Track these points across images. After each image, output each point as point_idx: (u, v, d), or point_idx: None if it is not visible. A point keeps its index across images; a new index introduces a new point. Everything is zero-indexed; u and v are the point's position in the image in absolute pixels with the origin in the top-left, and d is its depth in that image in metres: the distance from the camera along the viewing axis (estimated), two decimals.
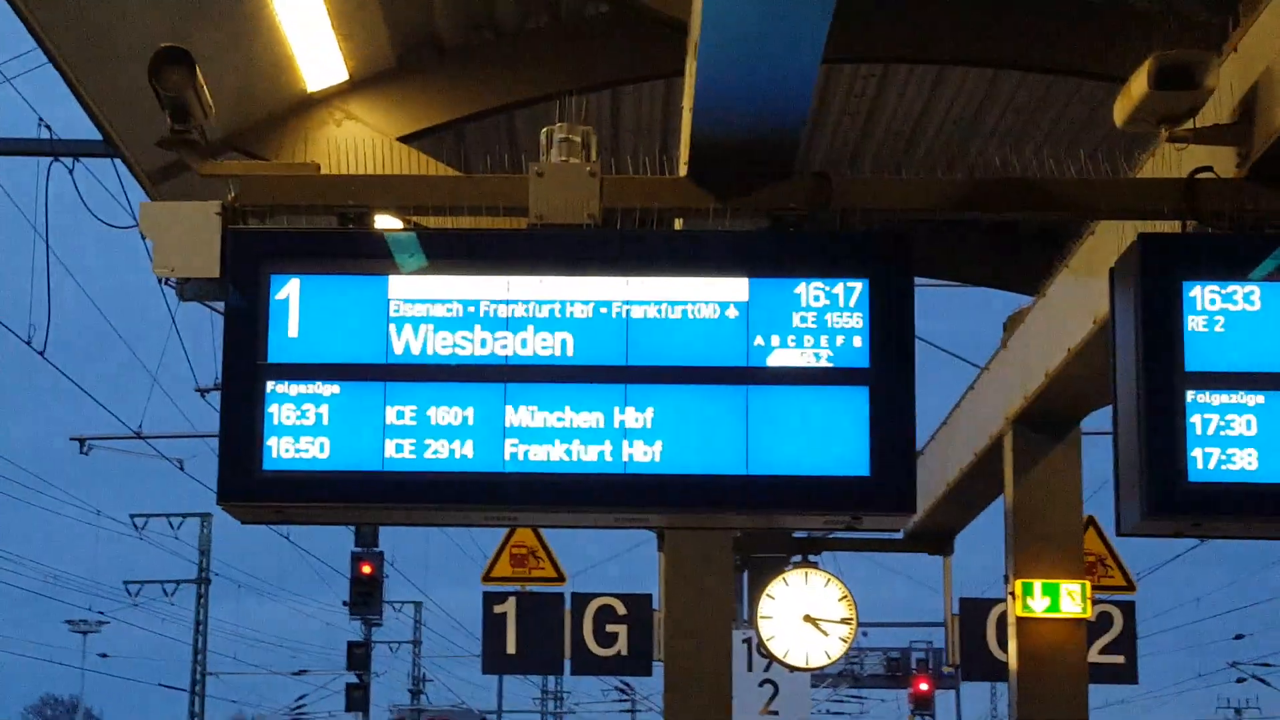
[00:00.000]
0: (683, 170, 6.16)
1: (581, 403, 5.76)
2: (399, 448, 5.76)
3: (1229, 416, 5.65)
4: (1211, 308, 5.71)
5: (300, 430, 5.77)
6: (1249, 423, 5.64)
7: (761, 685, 16.80)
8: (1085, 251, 8.34)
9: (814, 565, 14.39)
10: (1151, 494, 5.62)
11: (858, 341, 5.78)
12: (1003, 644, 11.85)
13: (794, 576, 14.34)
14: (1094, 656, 11.81)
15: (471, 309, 5.82)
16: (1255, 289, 5.72)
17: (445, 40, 8.98)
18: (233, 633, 65.79)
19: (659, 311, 5.81)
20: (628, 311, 5.80)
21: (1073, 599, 9.95)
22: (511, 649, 13.86)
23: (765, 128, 5.80)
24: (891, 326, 5.81)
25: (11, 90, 20.20)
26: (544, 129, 6.22)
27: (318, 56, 8.35)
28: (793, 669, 14.52)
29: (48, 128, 23.38)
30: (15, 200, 21.70)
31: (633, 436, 5.76)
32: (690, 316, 5.81)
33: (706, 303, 5.82)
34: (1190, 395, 5.65)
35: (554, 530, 13.64)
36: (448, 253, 5.89)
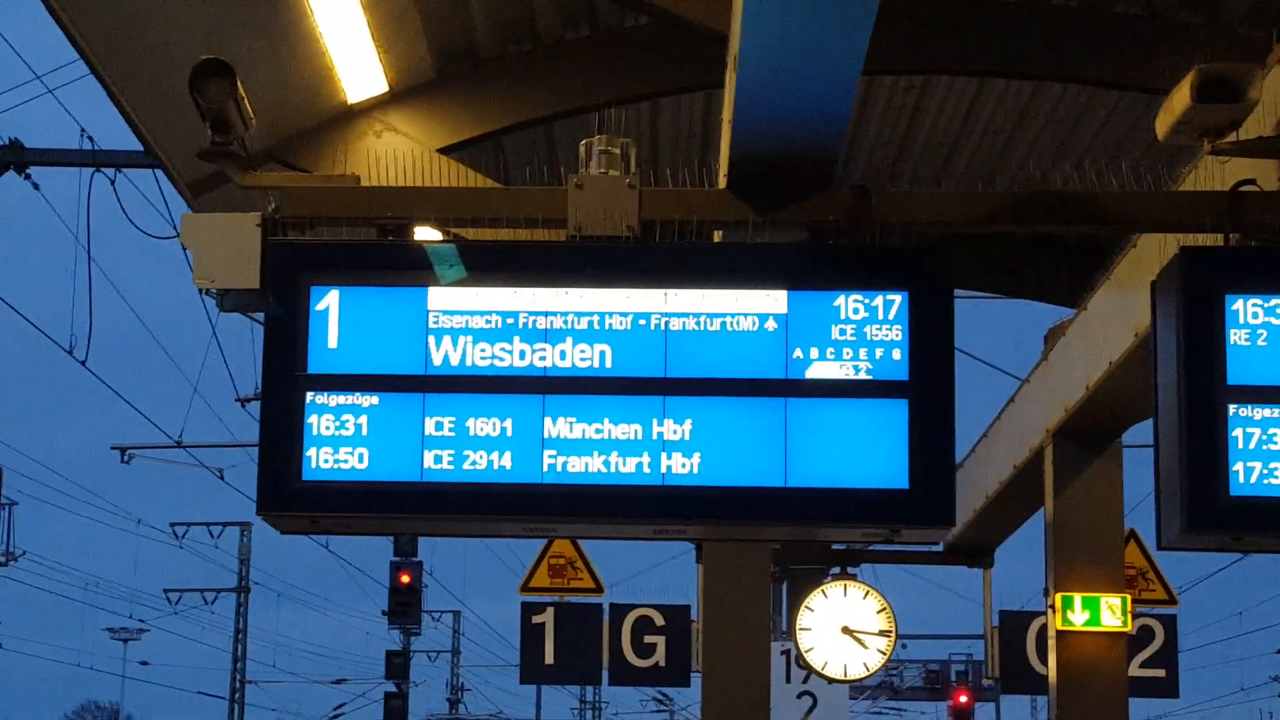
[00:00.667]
0: (722, 182, 6.16)
1: (620, 414, 5.77)
2: (438, 459, 5.78)
3: (1271, 430, 5.62)
4: (1254, 321, 5.68)
5: (339, 441, 5.80)
6: None
7: (800, 697, 16.79)
8: (1127, 264, 8.31)
9: (853, 577, 14.40)
10: (1193, 508, 5.60)
11: (897, 354, 5.77)
12: (1043, 657, 11.80)
13: (832, 589, 14.36)
14: (1134, 670, 11.76)
15: (510, 320, 5.84)
16: None
17: (484, 52, 9.01)
18: (272, 641, 66.00)
19: (698, 324, 5.82)
20: (666, 324, 5.81)
21: (1113, 612, 9.91)
22: (550, 659, 13.88)
23: (805, 140, 5.80)
24: (931, 339, 5.80)
25: (54, 101, 20.37)
26: (583, 141, 6.24)
27: (357, 68, 8.40)
28: (831, 681, 14.54)
29: (90, 139, 23.57)
30: (57, 211, 21.86)
31: (671, 449, 5.76)
32: (729, 329, 5.81)
33: (745, 315, 5.82)
34: (1232, 409, 5.63)
35: (592, 541, 13.66)
36: (487, 264, 5.91)
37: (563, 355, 5.81)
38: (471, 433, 5.78)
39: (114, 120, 8.03)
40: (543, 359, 5.81)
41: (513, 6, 8.80)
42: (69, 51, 7.35)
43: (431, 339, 5.83)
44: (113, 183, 22.36)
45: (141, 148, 8.57)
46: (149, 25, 7.44)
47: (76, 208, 19.67)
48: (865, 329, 5.79)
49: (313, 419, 5.81)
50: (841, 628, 14.25)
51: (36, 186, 25.07)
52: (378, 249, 6.03)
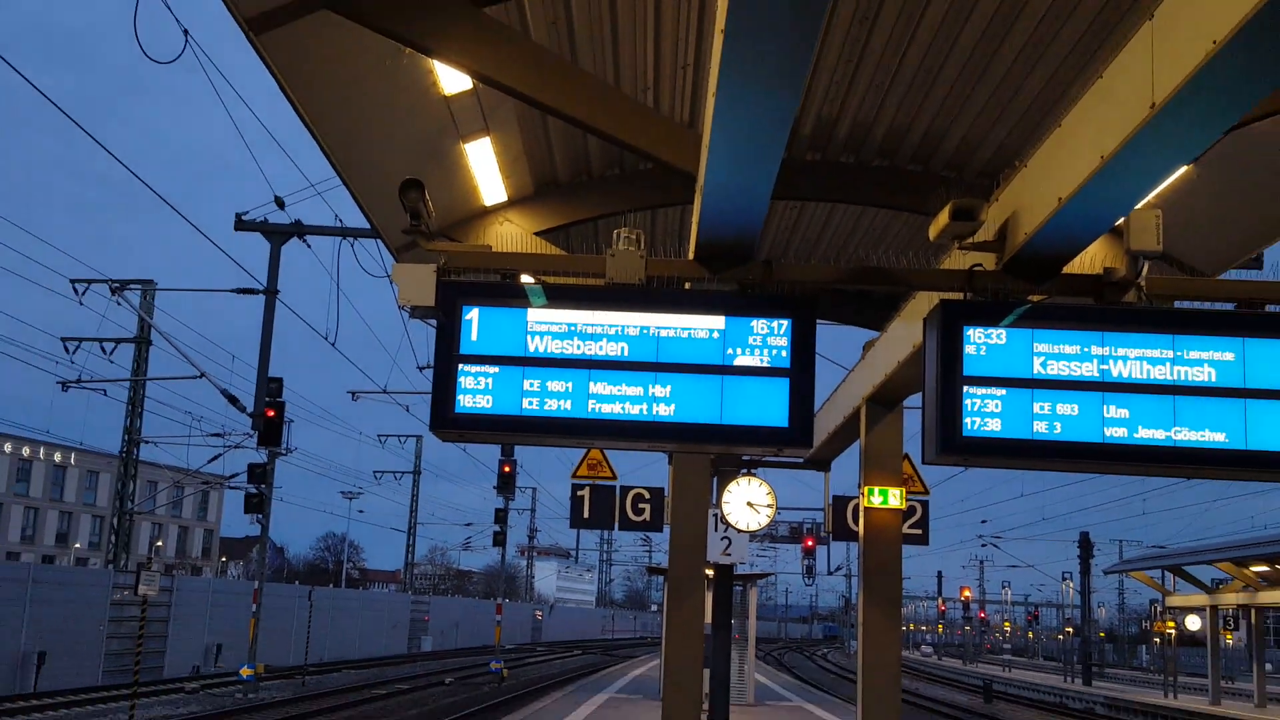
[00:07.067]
0: (690, 255, 6.18)
1: (631, 382, 5.78)
2: (530, 403, 5.78)
3: (986, 400, 5.65)
4: (979, 340, 5.71)
5: (476, 391, 5.80)
6: (997, 405, 5.64)
7: (722, 539, 16.82)
8: (910, 307, 8.33)
9: (753, 474, 14.42)
10: (942, 442, 5.63)
11: (784, 354, 5.79)
12: (856, 521, 11.83)
13: (743, 480, 14.37)
14: (905, 530, 11.79)
15: (571, 328, 5.84)
16: (1002, 331, 5.71)
17: (561, 179, 9.04)
18: (434, 502, 66.36)
19: (675, 333, 5.82)
20: (659, 332, 5.81)
21: (896, 498, 9.94)
22: (587, 515, 13.93)
23: (737, 233, 5.82)
24: (803, 345, 5.81)
25: (321, 199, 20.46)
26: (615, 230, 6.25)
27: (490, 186, 8.43)
28: (740, 531, 14.55)
29: (339, 220, 23.57)
30: (321, 261, 21.98)
31: (657, 401, 5.77)
32: (692, 336, 5.82)
33: (701, 329, 5.83)
34: (966, 388, 5.65)
35: (612, 451, 13.68)
36: (559, 297, 5.91)
37: (600, 349, 5.81)
38: (550, 389, 5.78)
39: (354, 210, 8.03)
40: (589, 350, 5.82)
41: (577, 155, 8.83)
42: (329, 170, 7.37)
43: (529, 337, 5.84)
44: (352, 246, 22.31)
45: (370, 226, 8.59)
46: (378, 161, 7.48)
47: (335, 259, 19.66)
48: (767, 339, 5.81)
49: (462, 379, 5.82)
50: (746, 502, 14.25)
51: (309, 246, 25.10)
52: (500, 286, 6.03)
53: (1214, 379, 5.63)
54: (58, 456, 73.75)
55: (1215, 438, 5.58)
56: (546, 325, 5.84)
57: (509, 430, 5.86)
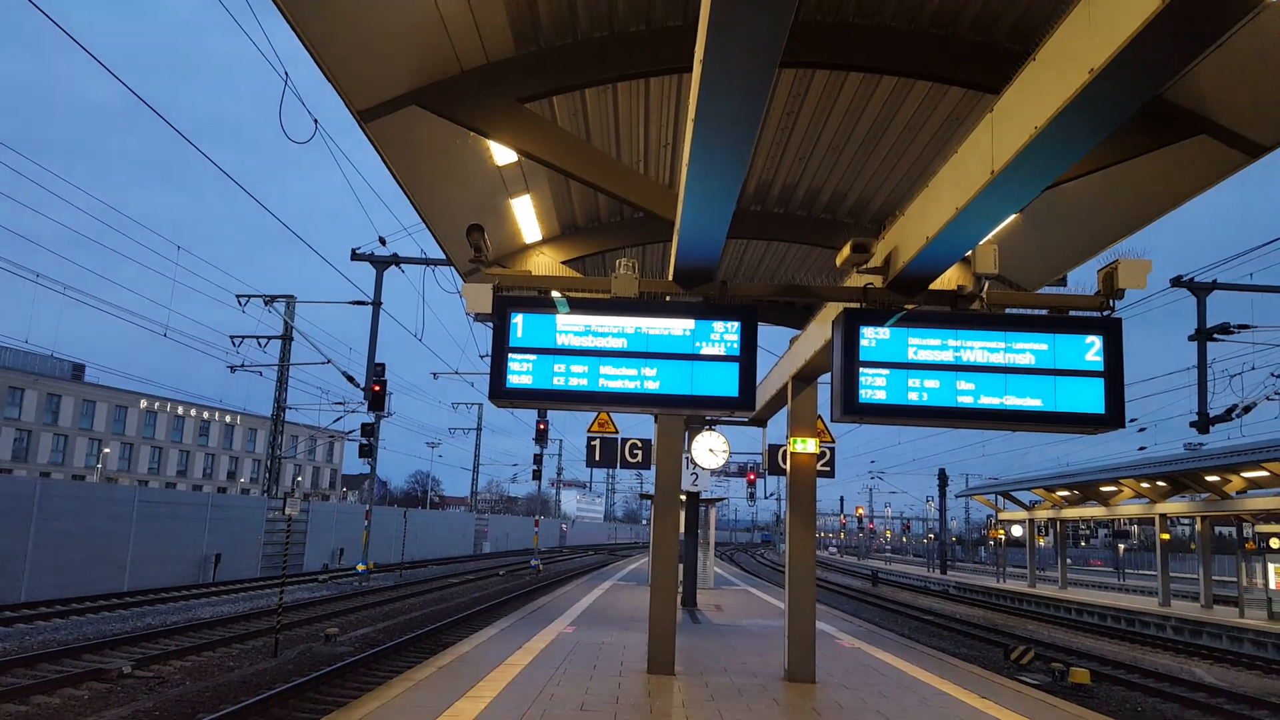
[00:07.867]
0: (670, 277, 6.16)
1: (629, 366, 5.76)
2: (558, 381, 5.75)
3: (875, 377, 5.65)
4: (871, 335, 5.71)
5: (520, 372, 5.77)
6: (883, 381, 5.64)
7: (692, 474, 16.84)
8: (823, 313, 8.30)
9: (713, 429, 14.42)
10: (844, 406, 5.64)
11: (735, 345, 5.78)
12: (784, 462, 11.83)
13: (705, 432, 14.37)
14: (819, 468, 11.79)
15: (587, 327, 5.82)
16: (887, 330, 5.71)
17: (579, 223, 8.99)
18: (493, 449, 66.18)
19: (659, 330, 5.80)
20: (648, 330, 5.80)
21: (812, 446, 9.89)
22: (598, 458, 13.93)
23: (703, 261, 5.81)
24: (749, 339, 5.80)
25: (412, 239, 20.25)
26: (617, 260, 6.23)
27: (530, 228, 8.37)
28: (703, 469, 14.56)
29: (424, 252, 23.35)
30: (411, 283, 21.74)
31: (646, 379, 5.75)
32: (670, 333, 5.81)
33: (676, 328, 5.81)
34: (861, 368, 5.66)
35: (615, 414, 13.68)
36: (579, 307, 5.89)
37: (607, 343, 5.78)
38: (572, 371, 5.76)
39: (434, 246, 7.98)
40: (599, 344, 5.79)
41: (590, 207, 8.78)
42: (416, 218, 7.31)
43: (557, 335, 5.81)
44: (434, 271, 22.10)
45: (446, 257, 8.55)
46: (451, 211, 7.42)
47: (421, 281, 19.52)
48: (724, 335, 5.79)
49: (511, 364, 5.79)
50: (708, 448, 14.28)
51: (403, 271, 24.89)
52: (537, 299, 6.00)
53: (1033, 362, 5.67)
54: (228, 419, 73.82)
55: (1034, 403, 5.63)
56: (569, 326, 5.82)
57: (544, 399, 5.85)
